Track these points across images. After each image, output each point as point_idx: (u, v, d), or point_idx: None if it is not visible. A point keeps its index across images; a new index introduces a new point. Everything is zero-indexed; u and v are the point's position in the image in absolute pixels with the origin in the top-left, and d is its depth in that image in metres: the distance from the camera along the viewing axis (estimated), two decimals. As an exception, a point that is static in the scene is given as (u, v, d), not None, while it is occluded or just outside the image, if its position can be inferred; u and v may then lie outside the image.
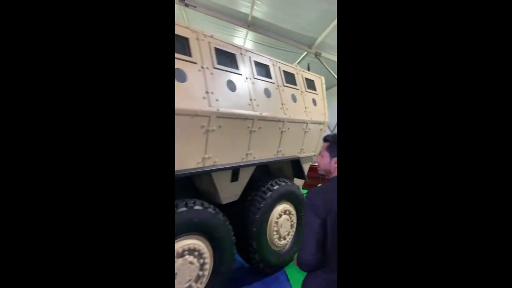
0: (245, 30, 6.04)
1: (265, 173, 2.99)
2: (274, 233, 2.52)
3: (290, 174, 3.09)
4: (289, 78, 2.75)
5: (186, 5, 6.00)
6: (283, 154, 2.66)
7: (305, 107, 2.85)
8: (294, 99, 2.71)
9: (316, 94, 3.14)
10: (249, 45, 6.98)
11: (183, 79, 1.69)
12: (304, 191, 5.42)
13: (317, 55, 6.22)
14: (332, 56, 6.21)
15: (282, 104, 2.52)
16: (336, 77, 6.75)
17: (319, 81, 3.28)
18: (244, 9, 5.39)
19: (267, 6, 5.11)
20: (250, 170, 2.37)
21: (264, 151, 2.41)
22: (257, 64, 2.36)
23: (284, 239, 2.65)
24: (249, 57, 2.30)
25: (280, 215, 2.59)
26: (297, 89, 2.81)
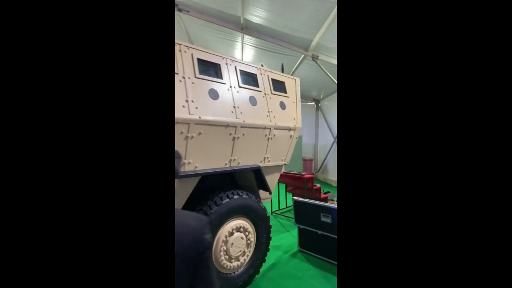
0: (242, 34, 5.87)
1: (228, 184, 2.70)
2: (221, 253, 2.21)
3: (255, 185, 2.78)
4: (248, 78, 2.47)
5: (179, 10, 5.96)
6: (238, 163, 2.37)
7: (269, 111, 2.55)
8: (253, 101, 2.42)
9: (287, 97, 2.82)
10: (248, 50, 6.80)
11: None
12: (290, 195, 5.15)
13: (314, 58, 5.87)
14: (331, 59, 5.84)
15: (234, 107, 2.24)
16: (336, 81, 6.35)
17: (292, 83, 2.96)
18: (236, 11, 5.22)
19: (258, 8, 4.90)
20: (192, 182, 2.10)
21: (210, 160, 2.14)
22: (201, 62, 2.11)
23: (237, 260, 2.33)
24: (191, 53, 2.06)
25: (232, 233, 2.28)
26: (259, 91, 2.52)
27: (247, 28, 5.68)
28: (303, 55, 6.21)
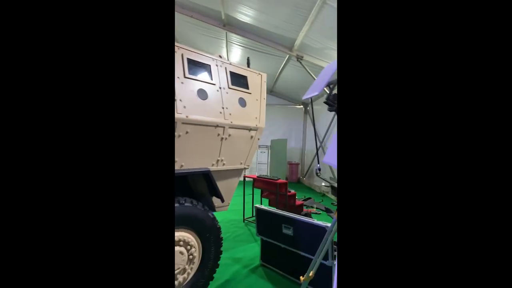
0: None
1: (180, 189, 2.39)
2: (153, 271, 1.89)
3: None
4: (198, 69, 2.18)
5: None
6: (181, 166, 2.06)
7: (223, 107, 2.26)
8: (202, 95, 2.13)
9: (249, 93, 2.53)
10: (235, 49, 6.54)
11: None
12: (258, 190, 4.82)
13: (299, 58, 5.61)
14: (316, 60, 5.57)
15: (177, 100, 1.94)
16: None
17: (257, 79, 2.67)
18: (216, 6, 4.95)
19: (239, 4, 4.63)
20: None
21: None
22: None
23: (175, 279, 2.00)
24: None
25: (169, 246, 1.96)
26: (213, 84, 2.23)
27: (229, 25, 5.42)
28: (288, 55, 5.95)
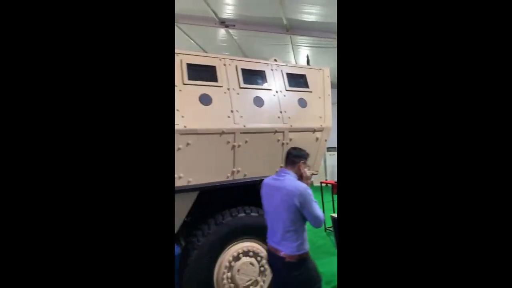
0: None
1: (239, 199, 2.40)
2: (225, 281, 1.90)
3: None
4: (253, 77, 2.15)
5: (227, 26, 6.18)
6: (244, 175, 2.04)
7: (281, 111, 2.15)
8: (259, 103, 2.08)
9: (309, 92, 2.34)
10: (303, 50, 6.47)
11: None
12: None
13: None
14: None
15: (232, 111, 1.96)
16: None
17: (318, 75, 2.45)
18: (278, 14, 4.99)
19: (297, 4, 4.53)
20: (188, 198, 1.90)
21: (208, 174, 1.90)
22: (191, 66, 1.93)
23: (248, 291, 1.96)
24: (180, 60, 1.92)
25: (238, 257, 1.95)
26: (268, 89, 2.16)
27: (292, 28, 5.34)
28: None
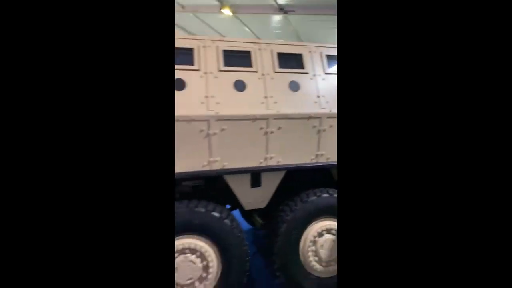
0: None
1: (320, 180, 2.52)
2: (310, 253, 2.07)
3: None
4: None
5: (285, 12, 6.18)
6: (327, 159, 2.15)
7: (318, 96, 2.10)
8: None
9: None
10: None
11: None
12: None
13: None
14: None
15: (319, 96, 2.06)
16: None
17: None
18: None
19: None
20: (277, 176, 2.10)
21: (294, 155, 2.06)
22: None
23: (329, 265, 2.10)
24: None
25: (321, 234, 2.10)
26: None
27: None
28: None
